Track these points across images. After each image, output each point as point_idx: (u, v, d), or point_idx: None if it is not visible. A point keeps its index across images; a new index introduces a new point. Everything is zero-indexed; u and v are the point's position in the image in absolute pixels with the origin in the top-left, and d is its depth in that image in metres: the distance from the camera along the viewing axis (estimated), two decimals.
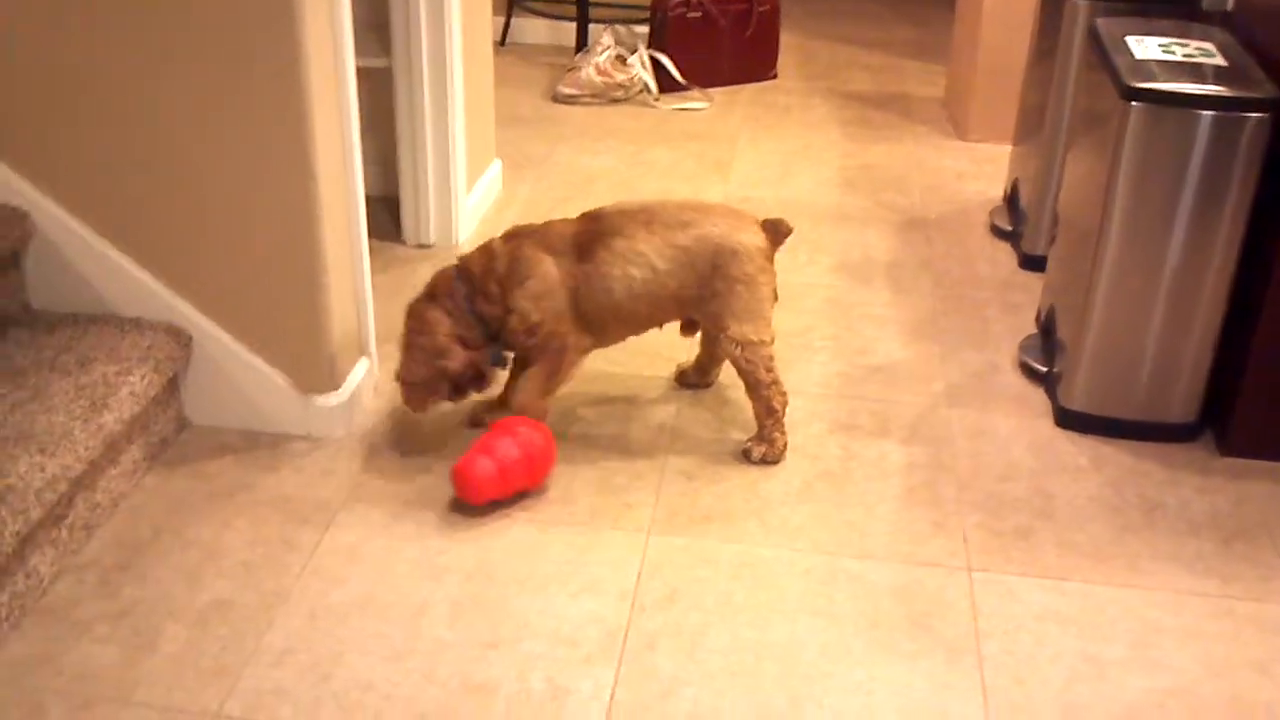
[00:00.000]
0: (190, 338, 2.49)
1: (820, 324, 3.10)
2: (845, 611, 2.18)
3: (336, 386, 2.55)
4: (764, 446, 2.55)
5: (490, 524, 2.35)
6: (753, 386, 2.51)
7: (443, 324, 2.42)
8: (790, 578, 2.25)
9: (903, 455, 2.60)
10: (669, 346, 2.85)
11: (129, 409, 2.29)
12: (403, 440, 2.58)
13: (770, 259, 2.49)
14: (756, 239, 2.45)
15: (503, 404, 2.60)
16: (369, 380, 2.69)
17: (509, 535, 2.32)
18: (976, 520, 2.41)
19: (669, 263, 2.41)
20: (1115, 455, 2.63)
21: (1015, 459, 2.61)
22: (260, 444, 2.54)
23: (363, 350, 2.67)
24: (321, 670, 2.01)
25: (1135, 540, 2.38)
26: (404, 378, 2.47)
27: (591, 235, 2.43)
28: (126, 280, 2.46)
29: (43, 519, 2.08)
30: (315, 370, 2.52)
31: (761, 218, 2.52)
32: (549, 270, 2.40)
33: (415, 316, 2.45)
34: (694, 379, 2.79)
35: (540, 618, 2.13)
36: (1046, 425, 2.73)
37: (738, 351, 2.47)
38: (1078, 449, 2.65)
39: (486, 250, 2.46)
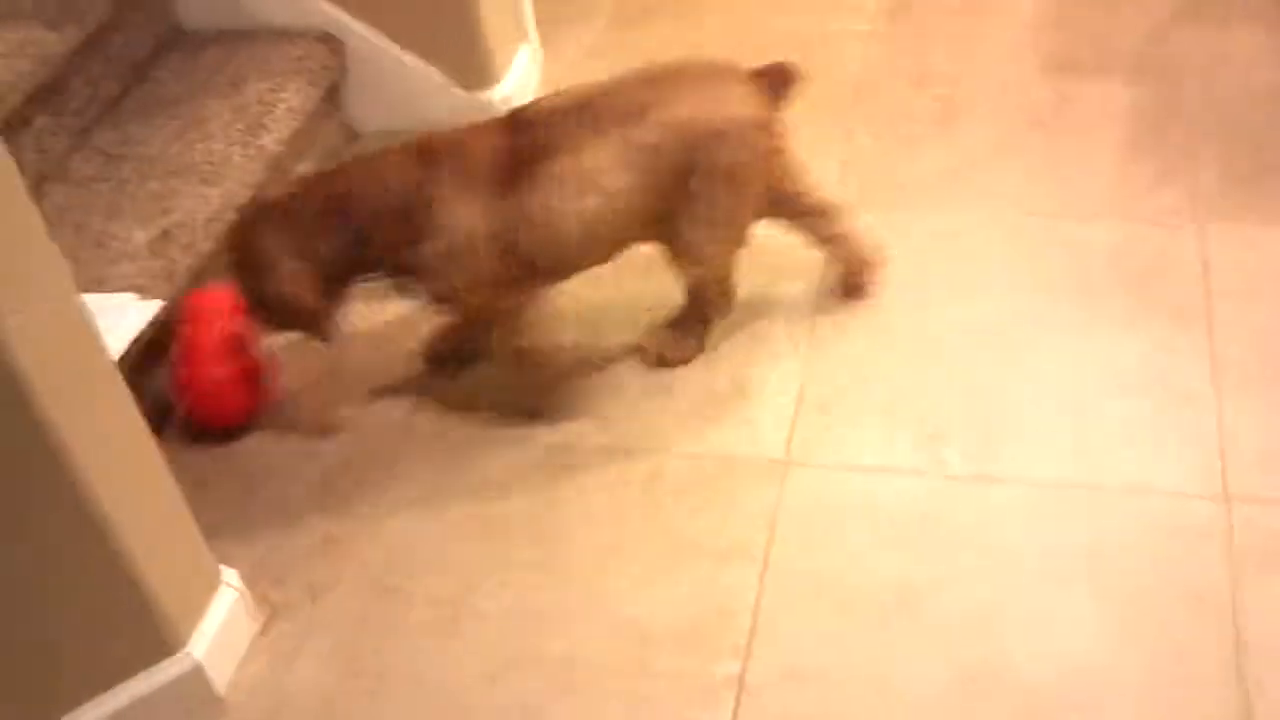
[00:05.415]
0: (342, 43, 2.38)
1: None
2: (1053, 278, 1.97)
3: (499, 79, 2.41)
4: (670, 346, 1.95)
5: None
6: (695, 293, 1.93)
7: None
8: (992, 244, 2.05)
9: (1126, 94, 2.29)
10: None
11: (288, 127, 2.23)
12: None
13: (771, 132, 1.78)
14: (748, 108, 1.76)
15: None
16: (533, 68, 2.53)
17: None
18: (1212, 161, 2.12)
19: (632, 173, 1.71)
20: None
21: (1262, 83, 2.26)
22: None
23: (524, 36, 2.51)
24: None
25: None
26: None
27: (523, 153, 1.70)
28: None
29: (214, 251, 2.08)
30: (474, 63, 2.38)
31: (754, 64, 1.79)
32: (466, 220, 1.69)
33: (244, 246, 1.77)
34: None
35: None
36: None
37: (697, 272, 1.87)
38: None
39: (379, 171, 1.73)
